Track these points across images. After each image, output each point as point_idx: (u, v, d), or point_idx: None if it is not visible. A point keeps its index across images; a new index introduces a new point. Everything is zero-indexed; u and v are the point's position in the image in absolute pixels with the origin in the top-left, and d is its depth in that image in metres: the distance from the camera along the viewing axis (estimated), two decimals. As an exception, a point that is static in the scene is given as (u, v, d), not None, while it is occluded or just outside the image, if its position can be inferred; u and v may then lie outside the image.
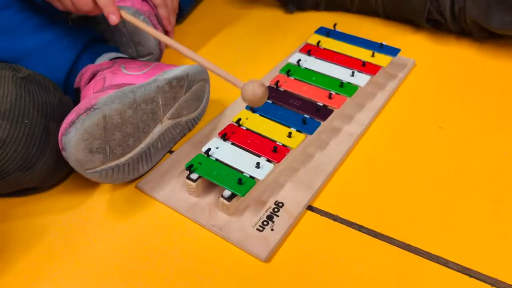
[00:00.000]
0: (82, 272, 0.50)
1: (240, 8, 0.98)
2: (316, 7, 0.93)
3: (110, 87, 0.55)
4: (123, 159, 0.55)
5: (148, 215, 0.56)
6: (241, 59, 0.82)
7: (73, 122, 0.49)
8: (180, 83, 0.59)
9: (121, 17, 0.56)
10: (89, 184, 0.58)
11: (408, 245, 0.51)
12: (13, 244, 0.53)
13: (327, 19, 0.90)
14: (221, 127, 0.63)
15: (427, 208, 0.55)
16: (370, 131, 0.66)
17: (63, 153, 0.50)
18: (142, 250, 0.52)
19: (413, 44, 0.83)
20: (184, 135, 0.65)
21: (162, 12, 0.78)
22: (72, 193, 0.59)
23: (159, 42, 0.73)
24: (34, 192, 0.58)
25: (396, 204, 0.56)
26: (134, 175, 0.58)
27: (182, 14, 0.90)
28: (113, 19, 0.55)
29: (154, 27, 0.71)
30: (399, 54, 0.75)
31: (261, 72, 0.77)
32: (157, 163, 0.61)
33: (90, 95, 0.54)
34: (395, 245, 0.51)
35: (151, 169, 0.60)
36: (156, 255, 0.51)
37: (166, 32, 0.79)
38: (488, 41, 0.81)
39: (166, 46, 0.79)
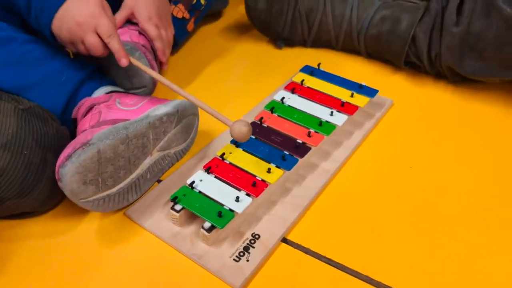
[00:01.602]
0: (70, 293, 0.54)
1: (232, 41, 1.03)
2: (304, 44, 0.99)
3: (105, 123, 0.60)
4: (114, 190, 0.59)
5: (134, 242, 0.60)
6: (231, 93, 0.87)
7: (69, 156, 0.54)
8: (170, 119, 0.64)
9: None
10: (80, 210, 0.62)
11: (372, 279, 0.56)
12: (5, 265, 0.57)
13: (313, 55, 0.96)
14: (207, 159, 0.69)
15: (392, 244, 0.59)
16: (345, 168, 0.71)
17: (59, 183, 0.55)
18: (128, 274, 0.56)
19: (392, 84, 0.88)
20: (172, 165, 0.69)
21: (158, 45, 0.83)
22: (63, 218, 0.63)
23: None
24: (29, 216, 0.62)
25: (363, 239, 0.60)
26: (123, 204, 0.62)
27: (176, 45, 0.95)
28: (124, 62, 0.66)
29: (149, 62, 0.76)
30: (378, 94, 0.80)
31: (249, 106, 0.82)
32: (145, 191, 0.66)
33: (87, 129, 0.59)
34: (359, 279, 0.56)
35: (139, 197, 0.65)
36: (140, 279, 0.56)
37: (161, 64, 0.84)
38: (462, 84, 0.86)
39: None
